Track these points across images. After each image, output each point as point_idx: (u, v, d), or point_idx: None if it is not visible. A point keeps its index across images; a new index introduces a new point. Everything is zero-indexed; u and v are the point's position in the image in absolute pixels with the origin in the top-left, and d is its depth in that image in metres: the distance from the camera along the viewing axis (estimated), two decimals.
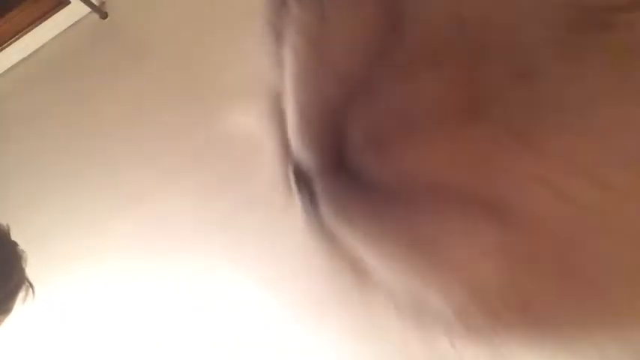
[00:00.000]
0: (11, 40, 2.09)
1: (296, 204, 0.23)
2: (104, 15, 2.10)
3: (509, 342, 0.20)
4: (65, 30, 2.12)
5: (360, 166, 0.18)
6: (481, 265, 0.18)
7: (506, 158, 0.16)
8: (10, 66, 2.12)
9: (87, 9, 2.07)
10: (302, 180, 0.21)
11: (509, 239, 0.17)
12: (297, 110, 0.20)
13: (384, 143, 0.17)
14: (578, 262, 0.17)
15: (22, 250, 1.14)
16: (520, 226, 0.17)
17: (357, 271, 0.21)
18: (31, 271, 1.17)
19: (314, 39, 0.19)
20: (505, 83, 0.16)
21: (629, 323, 0.18)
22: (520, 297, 0.19)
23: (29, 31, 2.09)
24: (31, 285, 1.12)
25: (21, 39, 2.10)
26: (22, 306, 1.12)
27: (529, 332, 0.19)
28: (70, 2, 2.07)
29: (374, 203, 0.18)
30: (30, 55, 2.13)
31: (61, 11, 2.09)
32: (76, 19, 2.12)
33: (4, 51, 2.09)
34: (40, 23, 2.09)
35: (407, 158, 0.17)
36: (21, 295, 1.10)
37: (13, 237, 1.19)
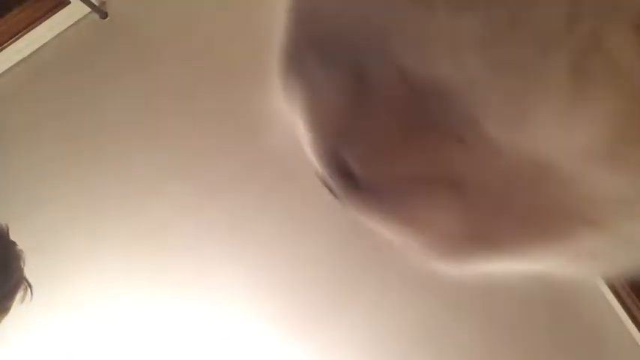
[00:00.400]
0: (11, 40, 2.09)
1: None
2: (104, 15, 2.10)
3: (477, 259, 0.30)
4: (65, 30, 2.12)
5: (356, 175, 0.28)
6: (447, 219, 0.28)
7: (453, 152, 0.25)
8: (10, 66, 2.12)
9: (87, 9, 2.07)
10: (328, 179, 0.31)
11: (467, 200, 0.26)
12: (309, 144, 0.30)
13: (369, 162, 0.27)
14: (513, 205, 0.27)
15: (21, 250, 1.14)
16: (473, 190, 0.26)
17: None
18: (30, 271, 1.17)
19: (312, 100, 0.29)
20: (444, 109, 0.24)
21: (553, 241, 0.28)
22: (479, 232, 0.28)
23: (29, 31, 2.09)
24: (29, 285, 1.12)
25: (21, 39, 2.10)
26: (20, 305, 1.12)
27: (490, 254, 0.30)
28: (70, 2, 2.07)
29: (371, 197, 0.29)
30: (30, 55, 2.13)
31: (61, 11, 2.09)
32: (76, 19, 2.12)
33: (4, 51, 2.09)
34: (40, 23, 2.09)
35: (382, 168, 0.27)
36: (19, 294, 1.10)
37: (12, 237, 1.19)
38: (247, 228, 1.84)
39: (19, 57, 2.12)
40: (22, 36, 2.09)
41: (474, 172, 0.26)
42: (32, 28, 2.09)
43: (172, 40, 2.02)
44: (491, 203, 0.27)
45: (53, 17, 2.10)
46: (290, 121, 0.31)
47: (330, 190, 0.31)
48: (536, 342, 1.61)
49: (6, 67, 2.13)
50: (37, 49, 2.12)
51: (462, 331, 1.69)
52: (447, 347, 1.71)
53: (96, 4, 2.08)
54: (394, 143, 0.26)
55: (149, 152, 1.96)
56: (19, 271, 1.10)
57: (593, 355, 1.59)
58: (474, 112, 0.23)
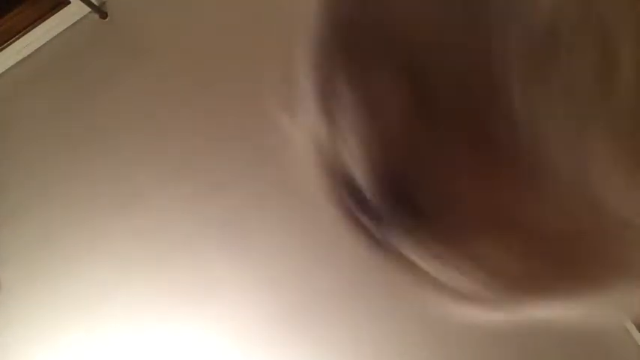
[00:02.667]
0: (11, 40, 2.09)
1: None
2: (104, 15, 2.10)
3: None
4: (65, 30, 2.12)
5: (419, 202, 0.23)
6: (505, 257, 0.24)
7: (522, 187, 0.21)
8: (10, 66, 2.13)
9: (87, 9, 2.07)
10: (366, 208, 0.26)
11: (526, 240, 0.23)
12: (361, 164, 0.25)
13: (438, 187, 0.23)
14: (572, 250, 0.23)
15: None
16: (533, 231, 0.22)
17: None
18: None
19: (367, 109, 0.23)
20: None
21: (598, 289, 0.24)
22: (536, 276, 0.25)
23: (29, 31, 2.09)
24: None
25: (21, 39, 2.10)
26: None
27: (542, 300, 0.26)
28: (70, 2, 2.07)
29: (431, 228, 0.24)
30: (30, 55, 2.13)
31: (61, 11, 2.09)
32: (76, 19, 2.12)
33: (4, 51, 2.09)
34: (40, 23, 2.09)
35: (452, 196, 0.23)
36: None
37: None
38: (247, 227, 1.85)
39: (19, 57, 2.12)
40: (21, 36, 2.10)
41: (538, 212, 0.22)
42: (32, 28, 2.09)
43: (172, 40, 2.03)
44: (549, 247, 0.24)
45: (53, 17, 2.10)
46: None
47: (364, 222, 0.27)
48: (530, 337, 1.62)
49: (6, 67, 2.13)
50: (37, 49, 2.13)
51: (461, 332, 1.69)
52: (448, 349, 1.71)
53: (96, 4, 2.08)
54: (465, 168, 0.22)
55: (149, 151, 1.96)
56: None
57: (592, 354, 1.60)
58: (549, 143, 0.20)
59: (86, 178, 1.97)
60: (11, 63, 2.14)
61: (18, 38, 2.10)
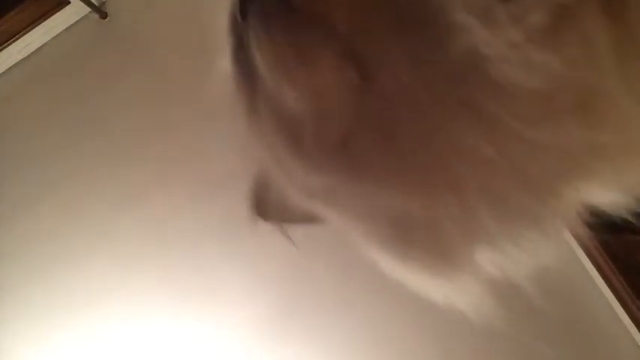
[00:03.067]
0: (11, 40, 2.09)
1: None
2: (104, 15, 2.10)
3: (325, 169, 0.26)
4: (65, 30, 2.12)
5: None
6: (331, 93, 0.24)
7: (388, 35, 0.21)
8: (10, 66, 2.12)
9: (87, 9, 2.07)
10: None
11: (361, 90, 0.22)
12: None
13: None
14: (404, 130, 0.22)
15: None
16: (374, 87, 0.22)
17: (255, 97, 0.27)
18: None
19: None
20: None
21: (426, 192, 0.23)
22: (347, 135, 0.24)
23: (29, 31, 2.09)
24: None
25: (21, 39, 2.10)
26: None
27: (340, 168, 0.25)
28: (70, 2, 2.07)
29: (289, 20, 0.25)
30: (30, 55, 2.13)
31: (61, 11, 2.09)
32: (76, 19, 2.12)
33: (4, 51, 2.09)
34: (40, 23, 2.09)
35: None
36: None
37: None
38: (248, 226, 1.84)
39: (20, 57, 2.12)
40: (22, 36, 2.09)
41: (388, 70, 0.22)
42: (32, 28, 2.09)
43: (172, 40, 2.02)
44: (381, 108, 0.23)
45: (53, 17, 2.10)
46: None
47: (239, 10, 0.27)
48: (526, 328, 1.61)
49: (6, 67, 2.13)
50: (37, 49, 2.12)
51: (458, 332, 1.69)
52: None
53: (96, 4, 2.08)
54: None
55: (149, 151, 1.96)
56: None
57: (591, 354, 1.60)
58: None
59: (86, 177, 1.97)
60: (11, 63, 2.14)
61: (18, 38, 2.10)
